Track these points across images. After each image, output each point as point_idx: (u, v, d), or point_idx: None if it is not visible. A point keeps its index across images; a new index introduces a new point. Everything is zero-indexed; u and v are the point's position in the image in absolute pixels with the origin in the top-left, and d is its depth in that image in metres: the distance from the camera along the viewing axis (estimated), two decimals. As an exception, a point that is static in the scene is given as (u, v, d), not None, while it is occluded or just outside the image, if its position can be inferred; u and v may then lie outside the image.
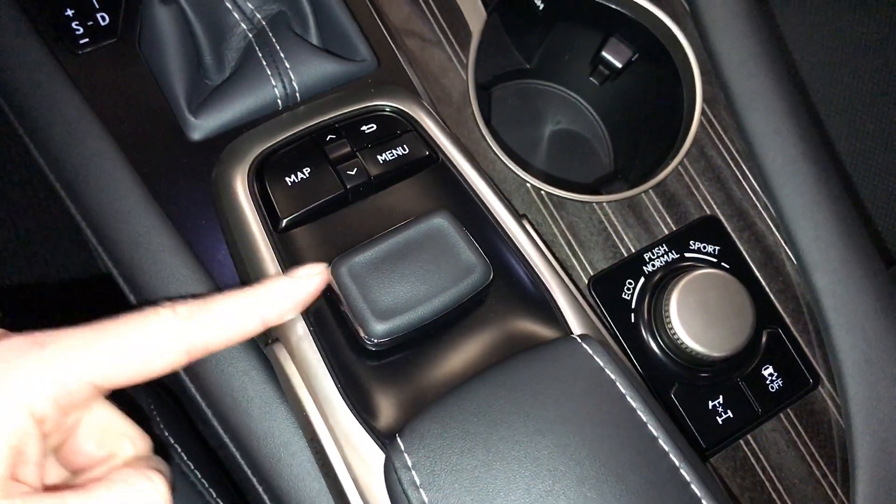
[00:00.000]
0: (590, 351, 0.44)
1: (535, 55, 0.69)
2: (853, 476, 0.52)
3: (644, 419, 0.43)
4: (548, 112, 0.71)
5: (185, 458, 0.64)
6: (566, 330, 0.47)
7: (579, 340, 0.45)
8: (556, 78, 0.70)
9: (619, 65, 0.64)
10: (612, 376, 0.44)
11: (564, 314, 0.48)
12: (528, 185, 0.56)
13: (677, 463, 0.42)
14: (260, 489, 0.48)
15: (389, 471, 0.41)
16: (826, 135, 0.81)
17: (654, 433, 0.42)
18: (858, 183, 0.82)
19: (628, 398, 0.43)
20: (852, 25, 0.84)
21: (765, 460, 0.52)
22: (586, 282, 0.54)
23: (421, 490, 0.40)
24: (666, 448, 0.42)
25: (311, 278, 0.43)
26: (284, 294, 0.42)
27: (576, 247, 0.55)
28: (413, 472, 0.41)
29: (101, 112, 0.51)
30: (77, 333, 0.36)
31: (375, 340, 0.44)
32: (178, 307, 0.38)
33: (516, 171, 0.56)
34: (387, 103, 0.52)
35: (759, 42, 0.59)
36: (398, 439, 0.42)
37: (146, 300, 0.49)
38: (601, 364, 0.44)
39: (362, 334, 0.44)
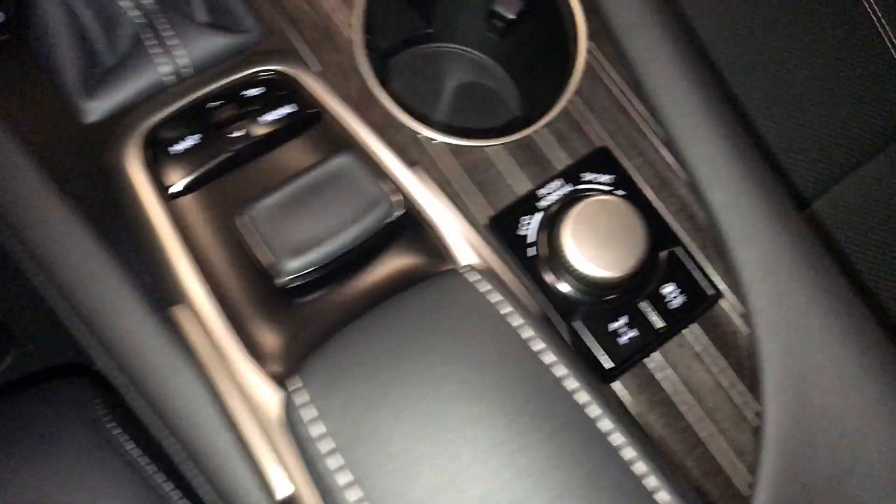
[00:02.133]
0: (471, 280, 0.46)
1: (434, 17, 0.70)
2: (761, 380, 0.54)
3: (524, 336, 0.44)
4: (453, 70, 0.73)
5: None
6: (457, 265, 0.49)
7: (460, 272, 0.47)
8: (457, 38, 0.72)
9: (511, 16, 0.65)
10: (492, 300, 0.45)
11: (455, 252, 0.50)
12: (421, 136, 0.57)
13: (558, 374, 0.43)
14: (177, 449, 0.49)
15: (288, 408, 0.43)
16: (716, 68, 0.83)
17: (535, 347, 0.44)
18: (759, 123, 0.83)
19: (507, 318, 0.45)
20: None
21: (672, 375, 0.54)
22: (486, 222, 0.56)
23: (320, 422, 0.42)
24: (546, 361, 0.44)
25: None
26: None
27: (476, 191, 0.56)
28: (312, 406, 0.42)
29: None
30: None
31: (287, 278, 0.46)
32: None
33: (410, 123, 0.57)
34: (270, 67, 0.54)
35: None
36: (296, 377, 0.43)
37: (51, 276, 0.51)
38: (481, 291, 0.46)
39: (273, 273, 0.46)
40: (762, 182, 0.57)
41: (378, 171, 0.50)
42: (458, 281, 0.46)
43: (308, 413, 0.42)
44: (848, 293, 0.55)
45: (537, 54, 0.67)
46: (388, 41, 0.68)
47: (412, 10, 0.70)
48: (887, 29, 0.90)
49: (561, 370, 0.43)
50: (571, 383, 0.43)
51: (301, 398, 0.42)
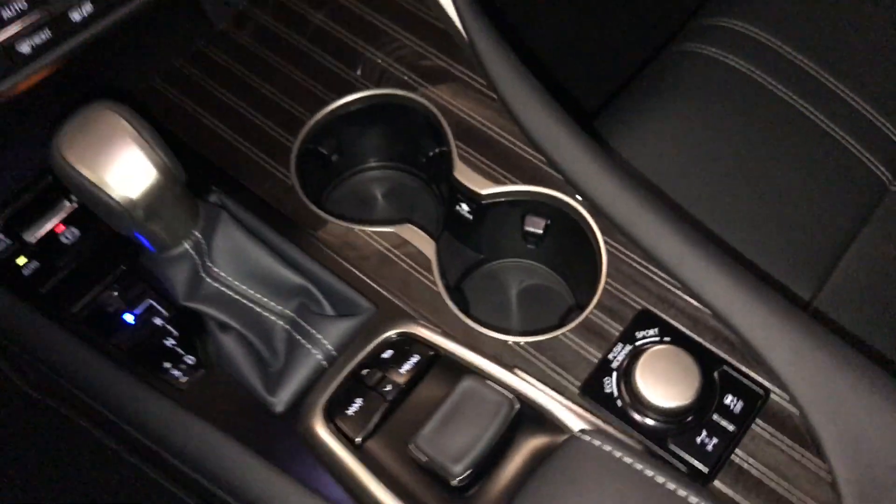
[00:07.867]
0: (588, 440, 0.64)
1: (482, 246, 0.92)
2: (821, 444, 0.69)
3: (648, 474, 0.61)
4: (511, 279, 0.93)
5: None
6: (572, 432, 0.67)
7: (578, 436, 0.64)
8: (505, 254, 0.93)
9: (540, 231, 0.86)
10: (608, 450, 0.62)
11: (566, 422, 0.68)
12: (509, 342, 0.77)
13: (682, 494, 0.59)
14: None
15: None
16: (695, 219, 1.04)
17: (659, 480, 0.60)
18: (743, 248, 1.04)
19: (632, 464, 0.62)
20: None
21: (755, 463, 0.69)
22: (577, 392, 0.74)
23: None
24: (670, 488, 0.60)
25: None
26: None
27: (561, 370, 0.75)
28: None
29: (208, 416, 0.73)
30: None
31: (459, 479, 0.64)
32: None
33: (497, 336, 0.77)
34: (392, 332, 0.74)
35: (617, 175, 0.82)
36: None
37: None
38: (597, 444, 0.63)
39: (446, 477, 0.63)
40: (767, 296, 0.75)
41: (493, 382, 0.69)
42: (580, 444, 0.64)
43: None
44: (866, 362, 0.72)
45: (571, 252, 0.88)
46: (455, 276, 0.89)
47: (466, 245, 0.91)
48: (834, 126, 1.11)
49: (683, 491, 0.59)
50: (694, 498, 0.59)
51: None
